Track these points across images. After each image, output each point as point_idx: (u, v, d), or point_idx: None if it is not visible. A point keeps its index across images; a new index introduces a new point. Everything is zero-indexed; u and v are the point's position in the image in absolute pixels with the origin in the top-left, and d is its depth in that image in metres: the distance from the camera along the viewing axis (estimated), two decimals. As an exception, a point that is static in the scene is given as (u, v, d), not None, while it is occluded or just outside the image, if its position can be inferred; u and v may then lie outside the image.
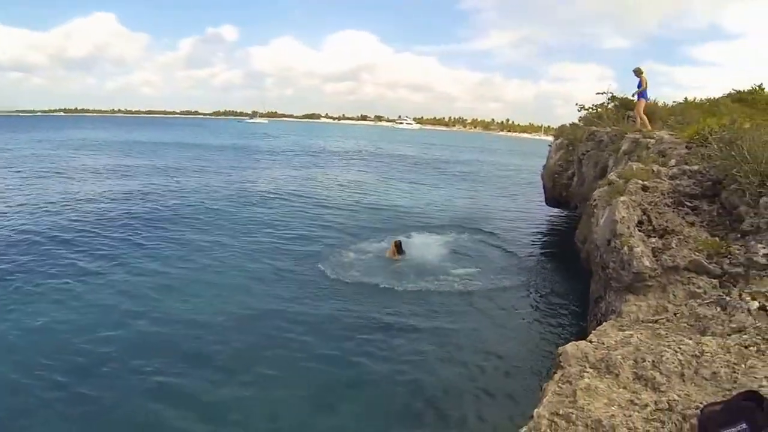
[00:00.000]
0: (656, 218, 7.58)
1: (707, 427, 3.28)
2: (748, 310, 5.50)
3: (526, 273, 16.12)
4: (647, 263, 6.64)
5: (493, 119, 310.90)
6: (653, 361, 4.41)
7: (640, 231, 7.40)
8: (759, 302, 5.58)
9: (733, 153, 7.55)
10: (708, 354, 4.58)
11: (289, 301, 12.57)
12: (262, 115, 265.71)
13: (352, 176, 40.03)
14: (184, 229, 20.20)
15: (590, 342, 5.06)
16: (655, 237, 7.28)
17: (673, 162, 9.78)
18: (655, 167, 9.54)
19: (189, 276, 14.47)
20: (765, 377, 4.23)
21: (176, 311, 11.88)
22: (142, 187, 30.46)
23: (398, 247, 16.08)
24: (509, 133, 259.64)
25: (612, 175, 10.25)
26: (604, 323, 6.07)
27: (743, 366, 4.43)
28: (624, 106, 18.79)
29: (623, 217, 7.63)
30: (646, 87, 16.41)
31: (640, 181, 8.66)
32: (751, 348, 4.80)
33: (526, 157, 77.89)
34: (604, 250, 7.94)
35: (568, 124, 24.56)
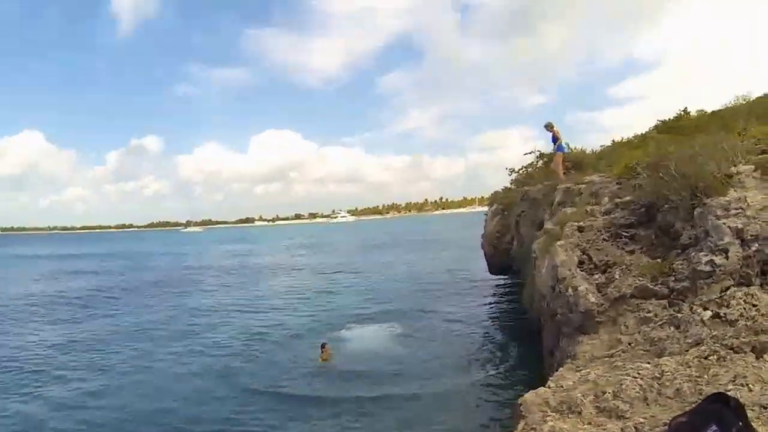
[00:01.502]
0: (596, 255, 7.41)
1: (677, 437, 3.02)
2: (702, 321, 5.28)
3: (476, 346, 15.38)
4: (593, 299, 6.39)
5: (426, 199, 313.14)
6: (614, 392, 4.18)
7: (581, 270, 7.19)
8: (711, 311, 5.36)
9: (661, 174, 7.54)
10: (668, 373, 4.36)
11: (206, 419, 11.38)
12: (196, 224, 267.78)
13: (283, 282, 38.03)
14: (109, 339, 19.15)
15: (549, 387, 4.79)
16: (597, 273, 7.07)
17: (606, 200, 9.75)
18: (589, 208, 9.48)
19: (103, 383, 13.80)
20: (730, 381, 4.06)
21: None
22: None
23: (323, 349, 14.91)
24: (444, 211, 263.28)
25: (548, 225, 10.15)
26: (560, 369, 5.79)
27: (706, 377, 4.25)
28: (552, 160, 19.00)
29: (563, 260, 7.43)
30: (560, 140, 16.75)
31: (575, 224, 8.53)
32: (711, 357, 4.59)
33: (464, 229, 77.33)
34: (550, 297, 7.71)
35: (500, 189, 24.82)
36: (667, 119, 19.02)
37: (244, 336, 19.01)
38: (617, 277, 6.69)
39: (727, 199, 6.39)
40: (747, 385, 3.92)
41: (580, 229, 8.30)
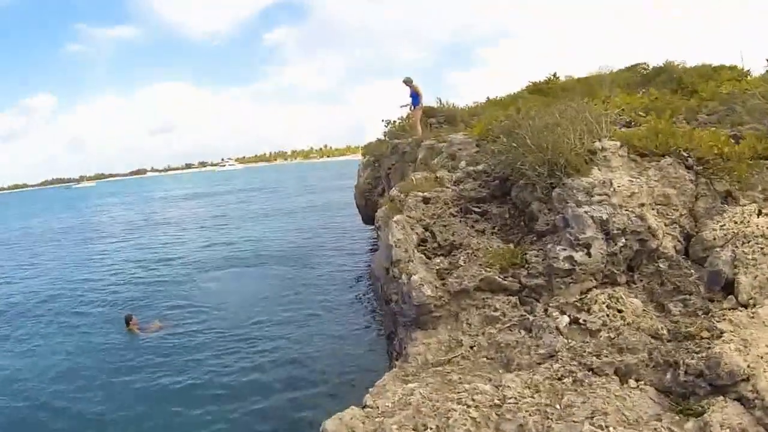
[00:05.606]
0: (441, 233, 6.24)
1: None
2: (557, 328, 4.35)
3: (335, 307, 13.68)
4: (429, 292, 5.20)
5: (311, 147, 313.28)
6: (438, 427, 3.24)
7: (422, 252, 6.00)
8: (569, 315, 4.44)
9: (514, 144, 6.44)
10: (512, 399, 3.45)
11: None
12: (89, 179, 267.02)
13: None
14: None
15: (364, 407, 3.81)
16: (440, 256, 5.93)
17: (463, 164, 8.58)
18: (441, 174, 8.27)
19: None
20: (587, 418, 3.16)
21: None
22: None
23: (128, 322, 13.54)
24: (328, 159, 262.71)
25: (393, 190, 8.78)
26: (385, 375, 4.70)
27: (558, 407, 3.38)
28: (426, 114, 18.10)
29: (399, 239, 6.11)
30: (419, 94, 16.39)
31: (420, 194, 7.19)
32: (566, 379, 3.71)
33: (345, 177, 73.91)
34: (384, 280, 6.54)
35: (374, 141, 23.65)
36: (537, 81, 18.68)
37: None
38: (462, 263, 5.56)
39: (591, 180, 5.36)
40: (607, 427, 3.07)
41: (426, 201, 6.96)
